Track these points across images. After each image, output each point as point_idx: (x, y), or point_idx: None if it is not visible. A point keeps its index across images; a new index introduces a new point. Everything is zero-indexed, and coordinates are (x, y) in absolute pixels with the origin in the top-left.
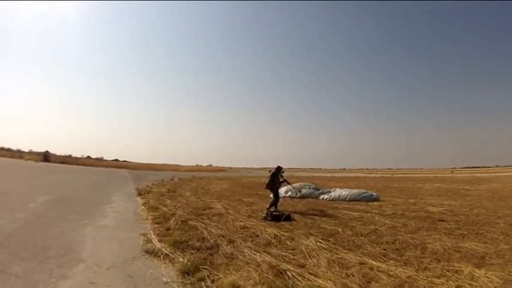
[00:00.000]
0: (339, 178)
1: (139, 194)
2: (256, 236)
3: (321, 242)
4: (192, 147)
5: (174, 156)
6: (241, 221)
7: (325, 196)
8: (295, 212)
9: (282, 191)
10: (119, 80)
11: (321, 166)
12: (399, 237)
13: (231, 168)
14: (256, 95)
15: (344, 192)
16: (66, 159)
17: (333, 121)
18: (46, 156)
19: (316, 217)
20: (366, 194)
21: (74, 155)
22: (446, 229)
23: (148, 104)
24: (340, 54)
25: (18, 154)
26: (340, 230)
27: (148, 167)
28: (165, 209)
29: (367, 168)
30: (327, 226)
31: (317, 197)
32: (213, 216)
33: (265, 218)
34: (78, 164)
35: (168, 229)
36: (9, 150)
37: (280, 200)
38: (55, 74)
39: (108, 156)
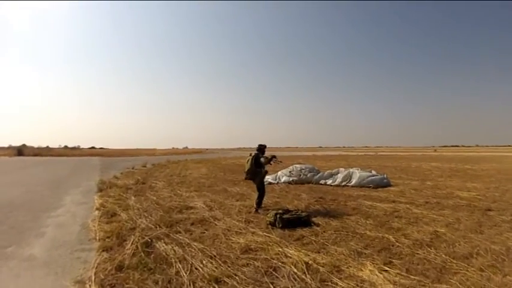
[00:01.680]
0: (323, 157)
1: (100, 190)
2: (276, 271)
3: (386, 271)
4: (168, 131)
5: (152, 141)
6: (238, 234)
7: (329, 181)
8: (307, 211)
9: (272, 177)
10: (104, 68)
11: (296, 145)
12: (477, 242)
13: (207, 149)
14: (232, 73)
15: (356, 173)
16: (41, 152)
17: (306, 99)
18: (20, 151)
19: (338, 215)
20: (377, 178)
21: (57, 145)
22: (509, 222)
23: (131, 92)
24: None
25: None
26: (390, 237)
27: (123, 153)
28: (125, 215)
29: (344, 147)
30: (366, 231)
31: (317, 182)
32: (193, 225)
33: (272, 224)
34: (52, 155)
35: (120, 267)
36: None
37: (269, 189)
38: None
39: (86, 145)
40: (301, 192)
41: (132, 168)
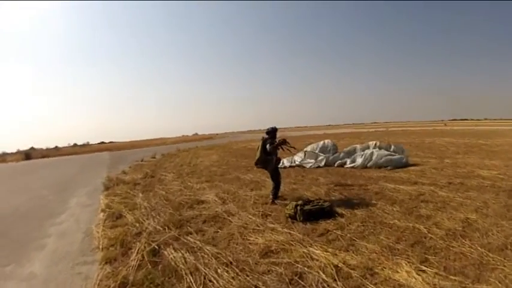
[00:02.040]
0: (334, 135)
1: (106, 188)
2: (301, 278)
3: (424, 271)
4: (178, 119)
5: (162, 131)
6: (256, 232)
7: (347, 162)
8: (328, 199)
9: (289, 159)
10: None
11: (306, 124)
12: (509, 231)
13: (217, 134)
14: (234, 58)
15: (374, 153)
16: (49, 153)
17: (317, 78)
18: (27, 154)
19: (361, 201)
20: (395, 158)
21: (66, 144)
22: None
23: (139, 87)
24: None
25: (1, 158)
26: (421, 227)
27: (132, 145)
28: (131, 217)
29: (353, 124)
30: (395, 221)
31: (333, 164)
32: (205, 223)
33: (293, 217)
34: (61, 155)
35: (123, 285)
36: None
37: (284, 173)
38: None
39: (96, 140)
40: (318, 175)
41: (141, 161)
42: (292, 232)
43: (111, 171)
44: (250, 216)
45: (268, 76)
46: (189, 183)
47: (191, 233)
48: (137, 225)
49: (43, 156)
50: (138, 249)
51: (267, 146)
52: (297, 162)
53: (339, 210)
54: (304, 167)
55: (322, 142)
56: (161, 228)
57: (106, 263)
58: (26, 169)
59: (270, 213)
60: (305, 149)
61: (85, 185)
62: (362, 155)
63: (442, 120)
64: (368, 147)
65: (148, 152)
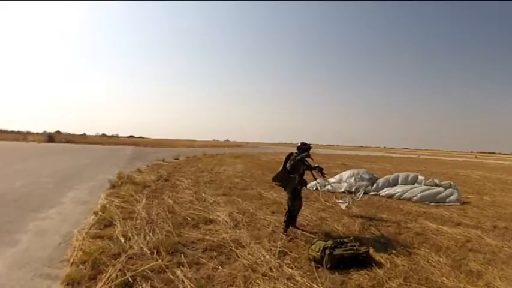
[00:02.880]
0: (366, 158)
1: (112, 187)
2: None
3: None
4: (211, 122)
5: (193, 132)
6: (265, 280)
7: (384, 192)
8: (362, 239)
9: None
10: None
11: (337, 143)
12: None
13: (247, 143)
14: (277, 67)
15: (417, 188)
16: (74, 139)
17: (342, 96)
18: (50, 137)
19: (402, 245)
20: (444, 194)
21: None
22: None
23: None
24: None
25: (23, 136)
26: None
27: (160, 143)
28: (120, 228)
29: (384, 147)
30: (442, 278)
31: (368, 192)
32: (206, 252)
33: (318, 262)
34: (86, 143)
35: None
36: (18, 132)
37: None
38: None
39: (126, 133)
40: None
41: (162, 161)
42: (314, 286)
43: (126, 168)
44: (263, 253)
45: (304, 90)
46: (203, 194)
47: (183, 265)
48: (122, 241)
49: (66, 141)
50: (107, 278)
51: (289, 163)
52: (329, 187)
53: (376, 255)
54: (335, 192)
55: (354, 172)
56: (148, 252)
57: (68, 284)
58: (41, 152)
59: (289, 250)
60: (342, 179)
61: (92, 178)
62: (403, 188)
63: (472, 152)
64: (414, 180)
65: (173, 153)
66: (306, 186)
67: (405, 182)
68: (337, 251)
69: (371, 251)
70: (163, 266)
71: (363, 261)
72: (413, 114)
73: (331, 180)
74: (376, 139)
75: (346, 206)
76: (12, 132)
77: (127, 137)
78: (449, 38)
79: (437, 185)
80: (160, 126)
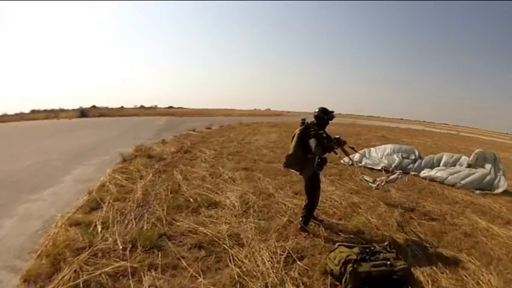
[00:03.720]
0: (407, 131)
1: (123, 160)
2: None
3: None
4: (252, 91)
5: (236, 101)
6: None
7: (425, 173)
8: (401, 255)
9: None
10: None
11: (378, 115)
12: None
13: (288, 112)
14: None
15: (458, 173)
16: (108, 112)
17: (396, 71)
18: (83, 112)
19: (446, 253)
20: (489, 178)
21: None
22: None
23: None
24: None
25: (54, 114)
26: None
27: (198, 113)
28: (104, 214)
29: (424, 121)
30: None
31: (407, 170)
32: (191, 249)
33: (337, 278)
34: (120, 115)
35: None
36: (52, 111)
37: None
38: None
39: (166, 104)
40: (390, 186)
41: (193, 131)
42: None
43: (151, 139)
44: (265, 257)
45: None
46: (220, 168)
47: (156, 268)
48: (98, 230)
49: (100, 115)
50: (61, 279)
51: (311, 140)
52: (368, 162)
53: (416, 270)
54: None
55: (396, 147)
56: (121, 247)
57: (25, 281)
58: (68, 127)
59: (300, 255)
60: (383, 153)
61: (107, 152)
62: (449, 171)
63: (507, 133)
64: (457, 161)
65: (207, 122)
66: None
67: (448, 163)
68: (364, 267)
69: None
70: (132, 268)
71: (397, 283)
72: (453, 92)
73: (373, 153)
74: (416, 113)
75: (377, 187)
76: (45, 111)
77: (166, 107)
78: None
79: (480, 165)
80: (202, 96)
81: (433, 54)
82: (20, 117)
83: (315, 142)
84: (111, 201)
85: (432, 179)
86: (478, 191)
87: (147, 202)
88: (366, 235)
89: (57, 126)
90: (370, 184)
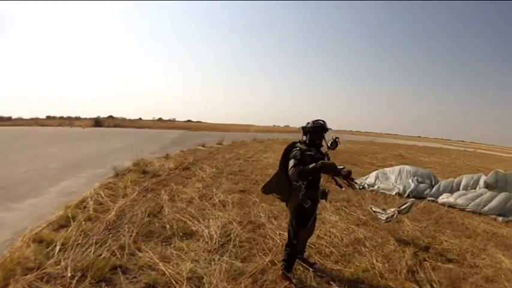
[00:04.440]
0: (424, 149)
1: (116, 175)
2: None
3: None
4: (272, 107)
5: (255, 117)
6: None
7: (444, 199)
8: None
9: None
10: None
11: (396, 132)
12: None
13: None
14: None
15: (479, 198)
16: (123, 123)
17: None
18: (97, 121)
19: None
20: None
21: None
22: None
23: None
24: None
25: (68, 122)
26: None
27: (214, 128)
28: (68, 232)
29: (441, 138)
30: None
31: (424, 196)
32: None
33: None
34: (134, 127)
35: None
36: (68, 118)
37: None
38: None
39: (184, 118)
40: (403, 216)
41: (202, 146)
42: None
43: (155, 153)
44: None
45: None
46: (213, 190)
47: None
48: (54, 251)
49: (114, 126)
50: None
51: (290, 160)
52: (381, 186)
53: None
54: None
55: (409, 170)
56: (69, 274)
57: None
58: (77, 136)
59: None
60: (395, 176)
61: (103, 165)
62: (470, 195)
63: None
64: (477, 183)
65: (221, 137)
66: (325, 200)
67: (468, 186)
68: None
69: None
70: None
71: None
72: (471, 107)
73: (388, 175)
74: (432, 129)
75: (387, 220)
76: (60, 118)
77: (184, 121)
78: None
79: (502, 188)
80: (222, 111)
81: (451, 68)
82: (34, 122)
83: (293, 166)
84: (82, 219)
85: (451, 206)
86: (501, 218)
87: (117, 225)
88: (365, 286)
89: (68, 134)
90: (380, 216)
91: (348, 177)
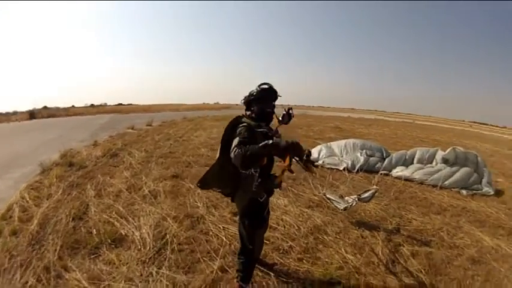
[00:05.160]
0: (360, 120)
1: (42, 171)
2: None
3: None
4: (204, 85)
5: (187, 96)
6: None
7: (398, 172)
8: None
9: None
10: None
11: (328, 105)
12: None
13: (237, 104)
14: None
15: (438, 173)
16: (57, 113)
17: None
18: (31, 114)
19: None
20: (476, 176)
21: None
22: None
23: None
24: None
25: (6, 118)
26: None
27: (146, 109)
28: None
29: (376, 110)
30: None
31: (375, 170)
32: None
33: None
34: (67, 115)
35: None
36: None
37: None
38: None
39: (115, 102)
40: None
41: (132, 129)
42: None
43: (84, 141)
44: None
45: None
46: (143, 178)
47: None
48: None
49: (49, 116)
50: None
51: (235, 139)
52: (327, 161)
53: None
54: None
55: (357, 143)
56: None
57: None
58: (13, 131)
59: None
60: (342, 149)
61: (31, 161)
62: (426, 170)
63: (464, 121)
64: (433, 157)
65: (151, 118)
66: (280, 188)
67: (424, 160)
68: None
69: None
70: None
71: None
72: (403, 77)
73: (334, 148)
74: (365, 101)
75: (345, 209)
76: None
77: (115, 105)
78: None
79: (461, 163)
80: (155, 92)
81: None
82: None
83: (238, 145)
84: (7, 234)
85: (408, 180)
86: (465, 191)
87: (41, 237)
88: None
89: (4, 130)
90: (336, 205)
91: (308, 159)
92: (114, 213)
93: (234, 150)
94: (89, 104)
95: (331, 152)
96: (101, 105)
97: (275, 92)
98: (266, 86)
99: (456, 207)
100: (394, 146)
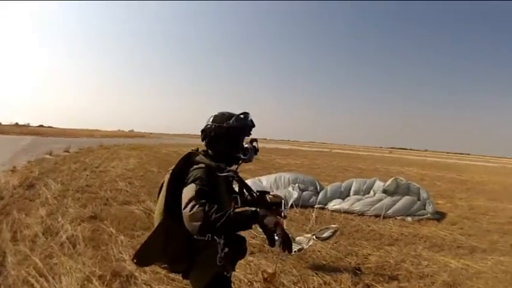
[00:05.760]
0: (276, 151)
1: None
2: None
3: None
4: (119, 112)
5: (101, 122)
6: None
7: (335, 205)
8: None
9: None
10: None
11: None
12: None
13: (151, 134)
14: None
15: (380, 202)
16: None
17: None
18: None
19: None
20: (419, 203)
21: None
22: None
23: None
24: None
25: None
26: None
27: (62, 133)
28: None
29: (289, 140)
30: None
31: (310, 204)
32: None
33: None
34: None
35: None
36: None
37: None
38: None
39: (38, 123)
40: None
41: (50, 154)
42: None
43: (4, 165)
44: None
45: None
46: (59, 219)
47: None
48: None
49: None
50: None
51: (188, 190)
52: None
53: None
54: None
55: (289, 177)
56: None
57: None
58: None
59: None
60: (275, 185)
61: None
62: (371, 200)
63: (381, 147)
64: (371, 187)
65: (68, 144)
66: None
67: (361, 191)
68: None
69: None
70: None
71: None
72: (318, 108)
73: (264, 182)
74: (280, 131)
75: (300, 250)
76: None
77: (37, 126)
78: None
79: (402, 192)
80: (73, 115)
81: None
82: None
83: (196, 197)
84: None
85: (347, 212)
86: (409, 218)
87: None
88: None
89: None
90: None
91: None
92: (32, 268)
93: (191, 205)
94: (14, 123)
95: (261, 187)
96: (24, 125)
97: (251, 127)
98: (247, 118)
99: (407, 236)
100: (319, 176)
